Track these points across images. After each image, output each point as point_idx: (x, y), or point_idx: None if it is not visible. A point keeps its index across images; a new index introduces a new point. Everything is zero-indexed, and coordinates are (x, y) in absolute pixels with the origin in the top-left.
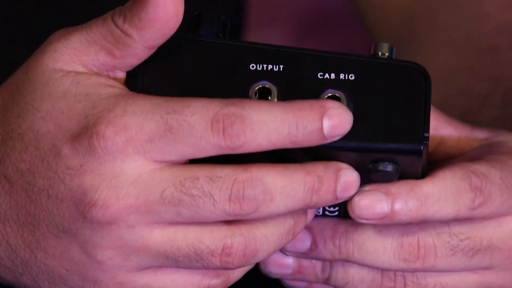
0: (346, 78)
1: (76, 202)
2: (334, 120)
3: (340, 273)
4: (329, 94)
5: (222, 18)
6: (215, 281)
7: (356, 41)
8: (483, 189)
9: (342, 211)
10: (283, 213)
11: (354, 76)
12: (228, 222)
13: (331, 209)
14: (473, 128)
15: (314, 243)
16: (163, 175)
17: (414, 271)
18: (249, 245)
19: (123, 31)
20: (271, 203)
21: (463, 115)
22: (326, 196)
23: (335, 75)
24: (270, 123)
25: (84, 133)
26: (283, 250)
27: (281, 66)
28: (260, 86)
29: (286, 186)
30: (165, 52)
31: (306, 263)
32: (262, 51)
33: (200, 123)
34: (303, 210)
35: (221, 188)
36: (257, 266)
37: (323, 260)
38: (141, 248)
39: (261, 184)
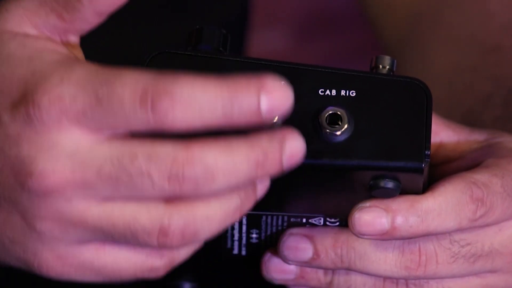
0: (347, 94)
1: (14, 171)
2: (272, 95)
3: (342, 278)
4: (330, 112)
5: (223, 32)
6: (158, 262)
7: (357, 41)
8: (484, 200)
9: (343, 221)
10: (226, 190)
11: (355, 92)
12: (168, 200)
13: (332, 219)
14: (471, 130)
15: (315, 252)
16: (101, 150)
17: (416, 278)
18: (187, 226)
19: None
20: (212, 182)
21: (466, 114)
22: (271, 168)
23: (336, 92)
24: (202, 99)
25: (22, 101)
26: (284, 259)
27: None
28: None
29: (228, 164)
30: (166, 67)
31: (308, 268)
32: (262, 67)
33: (129, 96)
34: (252, 187)
35: (160, 168)
36: (260, 272)
37: (325, 269)
38: (78, 222)
39: (201, 163)
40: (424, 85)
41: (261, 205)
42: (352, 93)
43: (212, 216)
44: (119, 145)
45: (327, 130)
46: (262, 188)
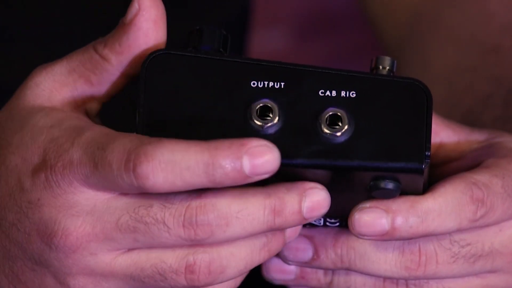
0: (347, 95)
1: (40, 234)
2: (256, 159)
3: (342, 278)
4: (330, 113)
5: (223, 32)
6: None
7: (357, 41)
8: (485, 200)
9: (343, 222)
10: (244, 236)
11: (355, 93)
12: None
13: (332, 220)
14: (472, 130)
15: (316, 252)
16: (118, 203)
17: (416, 279)
18: (213, 261)
19: (102, 56)
20: (227, 228)
21: (466, 114)
22: (291, 217)
23: (336, 93)
24: (182, 163)
25: (41, 167)
26: (284, 259)
27: (282, 83)
28: (261, 104)
29: (242, 210)
30: (166, 68)
31: (308, 268)
32: (263, 68)
33: (116, 161)
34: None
35: (174, 215)
36: (260, 272)
37: (325, 269)
38: (108, 273)
39: (214, 209)
40: (424, 86)
41: None
42: (352, 94)
43: (237, 252)
44: (136, 196)
45: (327, 131)
46: (291, 235)
